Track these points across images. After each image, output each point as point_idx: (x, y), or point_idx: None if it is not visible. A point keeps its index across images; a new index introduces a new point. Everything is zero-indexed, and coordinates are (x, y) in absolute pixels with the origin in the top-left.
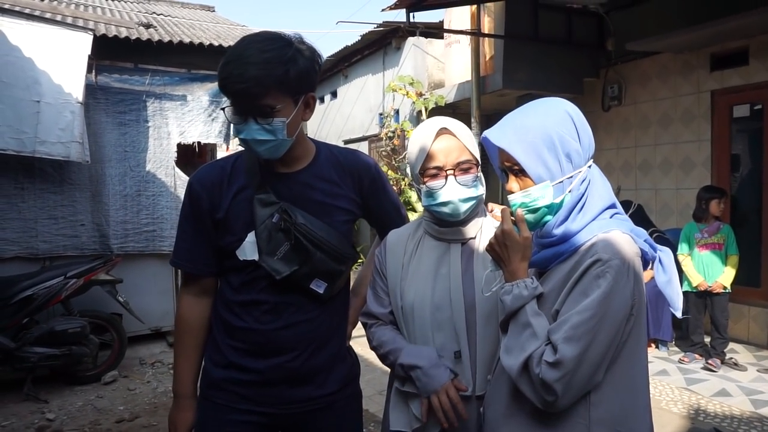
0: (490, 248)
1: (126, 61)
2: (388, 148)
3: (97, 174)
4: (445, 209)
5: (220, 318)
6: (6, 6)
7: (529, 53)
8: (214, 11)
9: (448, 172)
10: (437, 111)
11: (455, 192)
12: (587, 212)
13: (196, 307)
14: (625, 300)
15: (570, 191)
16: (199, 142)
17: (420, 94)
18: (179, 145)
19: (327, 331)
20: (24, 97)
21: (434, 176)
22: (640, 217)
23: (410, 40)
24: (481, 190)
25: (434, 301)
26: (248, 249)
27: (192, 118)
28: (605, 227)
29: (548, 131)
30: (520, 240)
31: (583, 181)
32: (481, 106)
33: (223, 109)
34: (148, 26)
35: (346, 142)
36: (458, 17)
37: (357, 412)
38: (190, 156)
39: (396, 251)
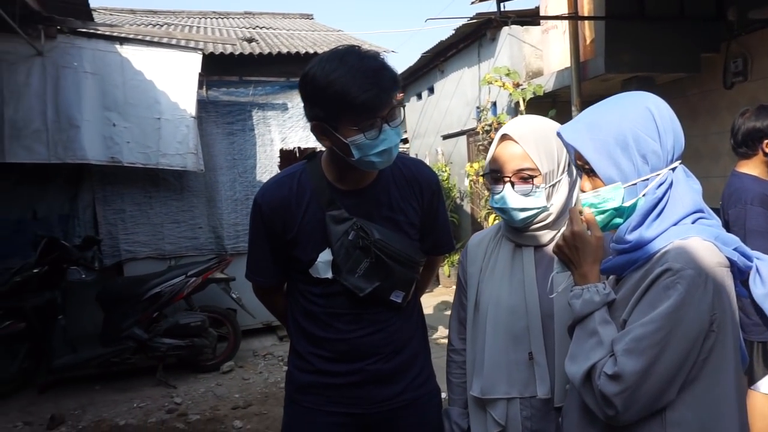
0: (559, 250)
1: (232, 74)
2: (485, 142)
3: (210, 181)
4: (503, 215)
5: (299, 327)
6: (131, 36)
7: (634, 33)
8: (312, 19)
9: (506, 178)
10: (535, 101)
11: (512, 200)
12: (666, 218)
13: (280, 300)
14: (700, 314)
15: (645, 195)
16: (299, 147)
17: (517, 85)
18: (281, 151)
19: (405, 332)
20: (147, 115)
21: (495, 180)
22: None
23: (505, 29)
24: (541, 201)
25: (509, 304)
26: (322, 268)
27: (292, 125)
28: (683, 233)
29: (623, 129)
30: (592, 241)
31: (662, 184)
32: (581, 93)
33: (353, 136)
34: (250, 40)
35: (445, 137)
36: (555, 1)
37: (438, 406)
38: (292, 160)
39: (477, 253)
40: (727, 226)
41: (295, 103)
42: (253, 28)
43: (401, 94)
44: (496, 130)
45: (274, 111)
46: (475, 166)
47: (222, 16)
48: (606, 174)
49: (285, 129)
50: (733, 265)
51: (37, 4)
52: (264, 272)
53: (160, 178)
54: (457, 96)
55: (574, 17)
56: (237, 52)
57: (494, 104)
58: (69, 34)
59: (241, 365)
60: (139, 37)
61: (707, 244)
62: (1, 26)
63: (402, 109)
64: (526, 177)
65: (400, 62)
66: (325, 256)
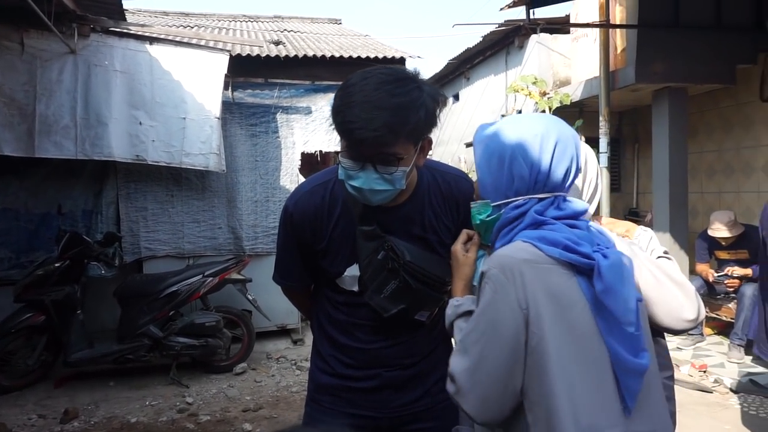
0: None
1: (257, 76)
2: None
3: (232, 182)
4: None
5: (323, 331)
6: (162, 36)
7: (667, 42)
8: (340, 23)
9: None
10: (562, 110)
11: None
12: (513, 231)
13: (308, 300)
14: (511, 309)
15: (503, 213)
16: (321, 150)
17: (544, 94)
18: (303, 154)
19: (426, 345)
20: (173, 114)
21: None
22: None
23: (534, 37)
24: None
25: None
26: (348, 282)
27: (315, 128)
28: (515, 240)
29: (507, 146)
30: (459, 258)
31: (519, 207)
32: (610, 103)
33: (337, 152)
34: (277, 43)
35: (468, 145)
36: (585, 9)
37: (456, 412)
38: (313, 163)
39: None
40: (764, 243)
41: (319, 106)
42: (281, 32)
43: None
44: None
45: (298, 114)
46: None
47: (252, 20)
48: (481, 178)
49: (307, 132)
50: (574, 263)
51: (71, 2)
52: (291, 277)
53: (182, 177)
54: (482, 104)
55: (605, 25)
56: (263, 54)
57: (520, 113)
58: (101, 33)
59: (254, 367)
60: (169, 37)
61: (521, 245)
62: (36, 24)
63: (405, 160)
64: None
65: (426, 69)
66: (353, 270)
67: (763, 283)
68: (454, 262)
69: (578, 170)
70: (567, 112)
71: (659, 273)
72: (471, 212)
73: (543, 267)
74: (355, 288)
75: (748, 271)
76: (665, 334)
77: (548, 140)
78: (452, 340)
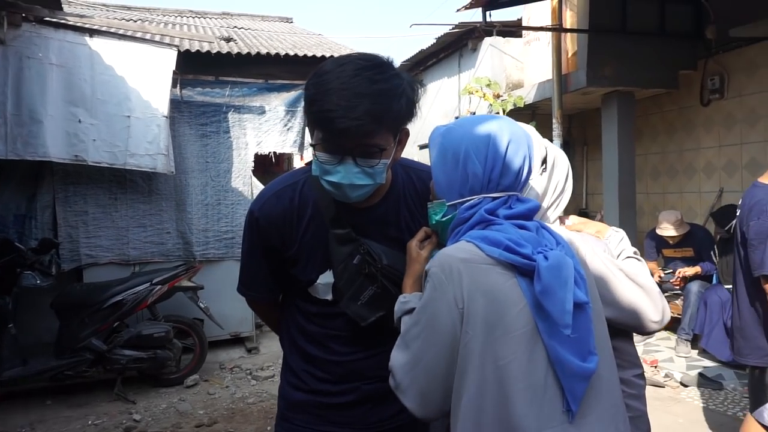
0: None
1: (208, 74)
2: None
3: (181, 184)
4: None
5: (294, 343)
6: (103, 28)
7: (616, 47)
8: (292, 22)
9: None
10: (516, 112)
11: None
12: (463, 231)
13: (275, 312)
14: (448, 306)
15: (457, 212)
16: (275, 152)
17: (497, 96)
18: (256, 155)
19: None
20: (116, 112)
21: None
22: None
23: (487, 40)
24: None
25: None
26: (321, 290)
27: (268, 128)
28: (461, 239)
29: (462, 144)
30: (413, 255)
31: (473, 206)
32: (563, 105)
33: (313, 145)
34: (228, 40)
35: (422, 147)
36: (538, 13)
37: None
38: (267, 165)
39: None
40: (744, 237)
41: (273, 106)
42: (232, 28)
43: (392, 137)
44: None
45: (251, 114)
46: None
47: (199, 15)
48: (436, 177)
49: (261, 133)
50: (514, 264)
51: None
52: (258, 288)
53: (127, 179)
54: (435, 106)
55: (559, 29)
56: (214, 51)
57: (473, 115)
58: (35, 23)
59: (207, 379)
60: (112, 30)
61: (463, 245)
62: None
63: (387, 151)
64: None
65: None
66: (326, 278)
67: (734, 280)
68: (408, 258)
69: (530, 170)
70: (520, 115)
71: (621, 276)
72: (428, 213)
73: (482, 267)
74: (329, 296)
75: (698, 269)
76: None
77: (501, 138)
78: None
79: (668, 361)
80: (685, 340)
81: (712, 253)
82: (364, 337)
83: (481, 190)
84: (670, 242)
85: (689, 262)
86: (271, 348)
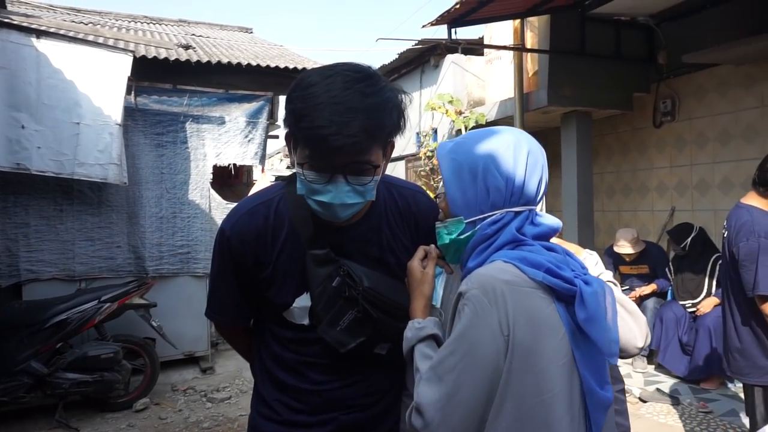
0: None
1: (165, 82)
2: (427, 168)
3: (134, 196)
4: None
5: (266, 370)
6: (52, 30)
7: (575, 68)
8: (251, 33)
9: None
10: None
11: None
12: (489, 249)
13: (245, 337)
14: (492, 333)
15: (478, 229)
16: (234, 164)
17: (460, 113)
18: (215, 167)
19: (386, 382)
20: (64, 119)
21: None
22: (702, 242)
23: (449, 57)
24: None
25: None
26: (297, 314)
27: (228, 140)
28: (494, 259)
29: (479, 158)
30: (417, 275)
31: (496, 222)
32: (524, 124)
33: (302, 164)
34: (187, 47)
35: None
36: (499, 33)
37: None
38: (226, 177)
39: None
40: (733, 258)
41: (233, 117)
42: (189, 36)
43: (382, 151)
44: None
45: (210, 124)
46: None
47: (155, 22)
48: (451, 194)
49: (220, 144)
50: (556, 288)
51: None
52: (227, 312)
53: (74, 189)
54: None
55: (520, 48)
56: (172, 58)
57: (435, 131)
58: None
59: (158, 402)
60: (61, 31)
61: (502, 265)
62: None
63: (379, 168)
64: None
65: None
66: (303, 301)
67: (725, 300)
68: (412, 280)
69: (547, 182)
70: None
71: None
72: (437, 232)
73: (525, 290)
74: (306, 321)
75: (654, 287)
76: None
77: (521, 151)
78: (413, 359)
79: (627, 377)
80: (642, 355)
81: (667, 270)
82: (343, 365)
83: (503, 204)
84: (627, 259)
85: (645, 278)
86: (227, 368)
